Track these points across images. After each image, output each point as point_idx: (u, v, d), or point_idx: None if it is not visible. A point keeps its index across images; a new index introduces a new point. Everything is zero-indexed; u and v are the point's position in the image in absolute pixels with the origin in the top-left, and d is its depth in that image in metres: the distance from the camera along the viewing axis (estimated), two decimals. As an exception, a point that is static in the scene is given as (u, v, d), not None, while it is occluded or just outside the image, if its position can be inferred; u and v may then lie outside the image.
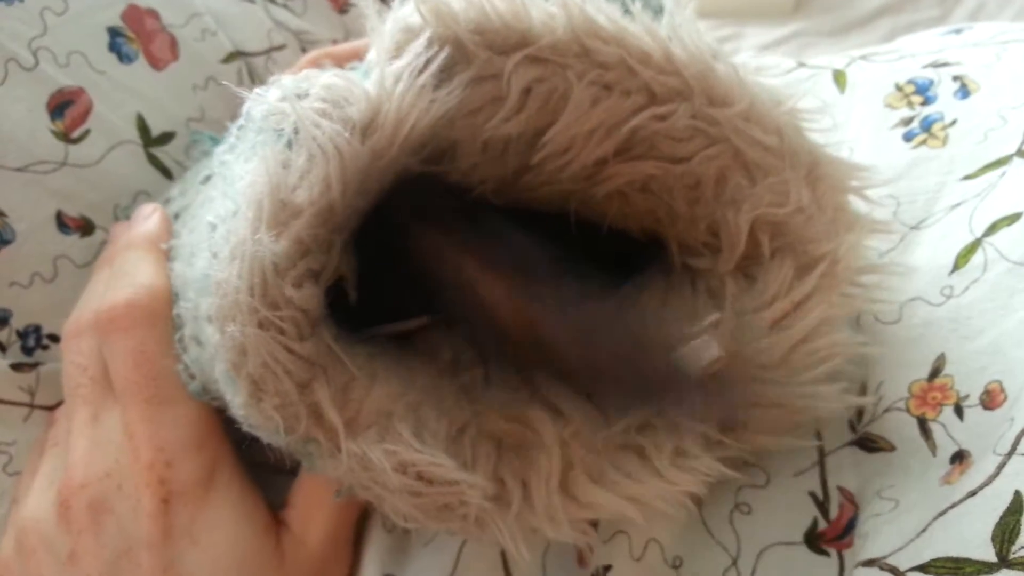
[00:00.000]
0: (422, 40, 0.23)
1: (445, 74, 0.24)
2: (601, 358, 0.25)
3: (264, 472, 0.30)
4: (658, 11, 0.51)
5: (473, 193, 0.28)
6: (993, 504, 0.21)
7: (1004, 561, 0.20)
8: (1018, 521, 0.20)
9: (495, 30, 0.24)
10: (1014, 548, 0.20)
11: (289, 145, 0.23)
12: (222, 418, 0.29)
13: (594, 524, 0.28)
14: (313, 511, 0.29)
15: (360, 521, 0.31)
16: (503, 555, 0.29)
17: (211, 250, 0.24)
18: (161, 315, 0.28)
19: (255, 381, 0.23)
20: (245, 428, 0.24)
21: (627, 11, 0.25)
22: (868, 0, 1.22)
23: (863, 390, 0.28)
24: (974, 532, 0.21)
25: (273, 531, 0.29)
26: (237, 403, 0.24)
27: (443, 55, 0.24)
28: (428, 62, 0.23)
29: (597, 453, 0.26)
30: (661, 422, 0.25)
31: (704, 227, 0.28)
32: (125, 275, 0.30)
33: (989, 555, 0.20)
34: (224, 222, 0.24)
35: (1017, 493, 0.20)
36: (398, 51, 0.24)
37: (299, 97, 0.23)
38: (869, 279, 0.28)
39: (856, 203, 0.28)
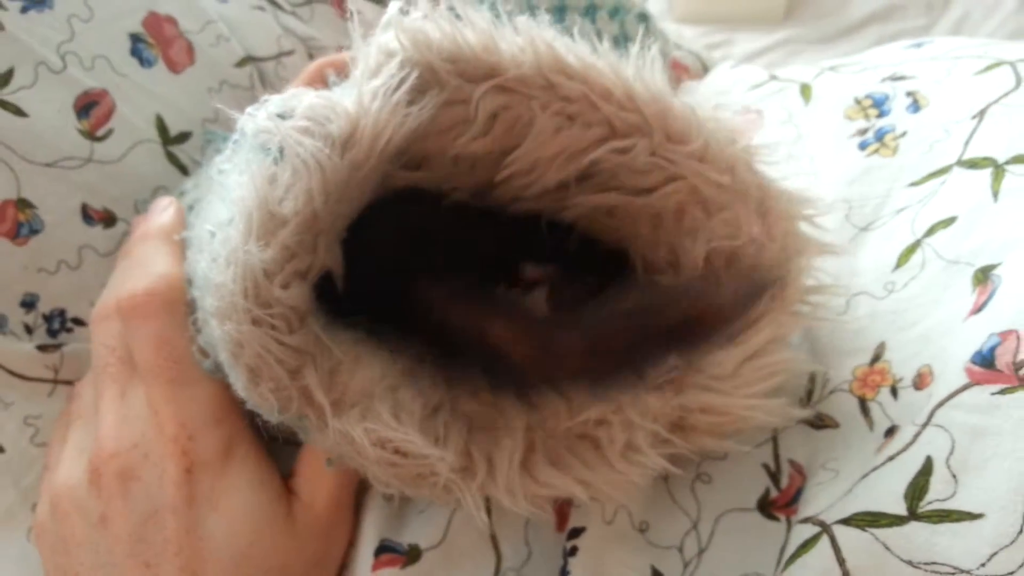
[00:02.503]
0: (396, 61, 0.26)
1: (418, 92, 0.26)
2: (618, 334, 0.28)
3: (274, 444, 0.32)
4: (642, 20, 0.54)
5: (451, 197, 0.30)
6: (908, 467, 0.24)
7: (913, 514, 0.23)
8: (927, 481, 0.23)
9: (466, 60, 0.26)
10: (922, 504, 0.23)
11: (276, 161, 0.25)
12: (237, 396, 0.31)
13: (567, 500, 0.31)
14: (318, 479, 0.31)
15: (360, 491, 0.33)
16: (490, 522, 0.31)
17: (210, 255, 0.26)
18: (177, 302, 0.31)
19: (252, 369, 0.25)
20: (248, 407, 0.27)
21: (595, 49, 0.27)
22: (857, 8, 1.24)
23: (813, 375, 0.31)
24: (890, 490, 0.24)
25: (285, 498, 0.31)
26: (239, 387, 0.26)
27: (414, 76, 0.26)
28: (402, 81, 0.25)
29: (557, 440, 0.28)
30: (617, 419, 0.28)
31: (665, 250, 0.30)
32: (143, 265, 0.32)
33: (901, 509, 0.23)
34: (221, 229, 0.26)
35: (928, 458, 0.23)
36: (378, 72, 0.26)
37: (284, 117, 0.26)
38: (816, 299, 0.30)
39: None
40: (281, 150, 0.25)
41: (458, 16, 0.27)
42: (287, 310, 0.26)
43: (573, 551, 0.30)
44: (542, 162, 0.28)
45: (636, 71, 0.27)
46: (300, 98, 0.26)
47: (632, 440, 0.28)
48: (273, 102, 0.26)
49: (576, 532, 0.30)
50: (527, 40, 0.26)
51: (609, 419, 0.28)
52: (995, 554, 0.21)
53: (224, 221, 0.26)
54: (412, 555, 0.31)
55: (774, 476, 0.29)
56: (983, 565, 0.21)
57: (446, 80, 0.26)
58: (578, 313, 0.29)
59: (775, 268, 0.29)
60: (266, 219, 0.25)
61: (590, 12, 0.49)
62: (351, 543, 0.32)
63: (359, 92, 0.25)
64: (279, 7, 0.48)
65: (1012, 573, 0.21)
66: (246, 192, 0.25)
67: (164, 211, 0.35)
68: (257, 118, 0.26)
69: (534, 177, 0.29)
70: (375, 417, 0.26)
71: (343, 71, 0.28)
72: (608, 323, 0.28)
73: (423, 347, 0.30)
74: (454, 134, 0.28)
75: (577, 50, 0.27)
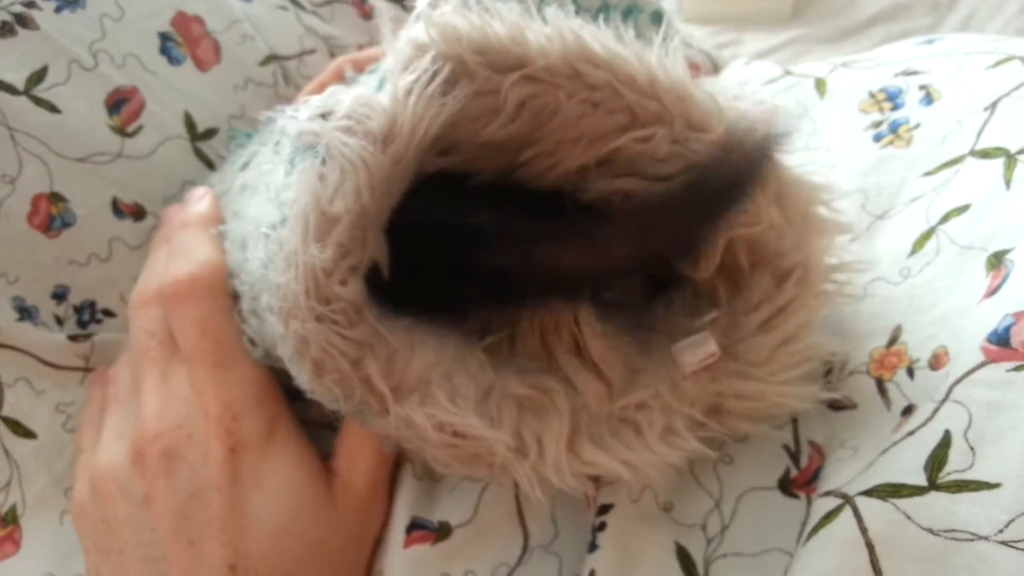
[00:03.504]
0: (428, 57, 0.26)
1: (450, 84, 0.27)
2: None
3: (311, 427, 0.33)
4: (656, 19, 0.54)
5: (475, 179, 0.31)
6: (927, 440, 0.25)
7: (933, 485, 0.24)
8: (946, 454, 0.24)
9: (495, 51, 0.27)
10: (941, 475, 0.24)
11: (323, 162, 0.26)
12: (278, 380, 0.32)
13: (596, 477, 0.32)
14: (357, 458, 0.32)
15: (393, 471, 0.34)
16: (517, 501, 0.32)
17: (266, 255, 0.27)
18: (219, 288, 0.32)
19: (316, 362, 0.26)
20: (309, 396, 0.28)
21: (620, 38, 0.28)
22: (863, 8, 1.25)
23: (832, 357, 0.32)
24: (910, 463, 0.25)
25: (325, 477, 0.32)
26: (303, 380, 0.27)
27: (447, 70, 0.26)
28: (434, 75, 0.26)
29: (600, 423, 0.29)
30: (656, 404, 0.29)
31: None
32: (184, 252, 0.33)
33: (921, 480, 0.24)
34: (274, 230, 0.27)
35: (947, 431, 0.24)
36: (409, 65, 0.27)
37: (325, 117, 0.26)
38: (841, 276, 0.31)
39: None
40: (327, 150, 0.26)
41: (487, 9, 0.27)
42: (346, 304, 0.26)
43: (602, 527, 0.30)
44: (564, 144, 0.29)
45: (658, 59, 0.28)
46: (338, 97, 0.27)
47: (670, 424, 0.29)
48: (313, 103, 0.27)
49: (604, 509, 0.31)
50: (555, 30, 0.27)
51: (649, 404, 0.29)
52: (1012, 520, 0.22)
53: (276, 222, 0.27)
54: (443, 532, 0.32)
55: (794, 456, 0.30)
56: (1001, 531, 0.22)
57: (476, 72, 0.27)
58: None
59: (796, 252, 0.29)
60: (320, 220, 0.26)
61: (603, 11, 0.50)
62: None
63: (394, 87, 0.26)
64: (301, 7, 0.49)
65: None
66: (299, 194, 0.26)
67: (201, 200, 0.36)
68: (299, 119, 0.27)
69: (556, 159, 0.30)
70: (434, 403, 0.27)
71: (362, 68, 0.29)
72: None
73: (469, 331, 0.30)
74: (483, 122, 0.28)
75: (603, 38, 0.27)
